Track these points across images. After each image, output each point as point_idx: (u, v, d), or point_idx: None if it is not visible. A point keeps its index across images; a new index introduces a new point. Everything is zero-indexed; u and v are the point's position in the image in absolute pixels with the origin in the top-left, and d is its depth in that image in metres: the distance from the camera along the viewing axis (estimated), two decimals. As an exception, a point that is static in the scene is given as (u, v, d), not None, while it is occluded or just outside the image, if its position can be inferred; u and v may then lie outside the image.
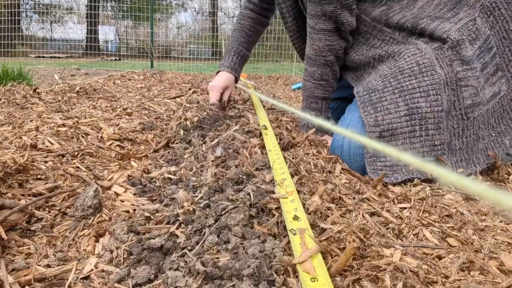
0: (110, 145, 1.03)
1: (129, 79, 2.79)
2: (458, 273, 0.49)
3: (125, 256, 0.53)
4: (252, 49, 1.65)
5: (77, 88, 1.90)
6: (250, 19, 1.55)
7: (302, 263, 0.46)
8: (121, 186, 0.77)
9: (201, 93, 1.83)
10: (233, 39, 1.56)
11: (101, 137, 1.09)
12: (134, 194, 0.74)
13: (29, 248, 0.55)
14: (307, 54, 1.13)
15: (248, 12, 1.56)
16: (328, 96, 1.15)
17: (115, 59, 7.44)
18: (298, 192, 0.67)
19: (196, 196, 0.67)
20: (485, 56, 0.92)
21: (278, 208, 0.61)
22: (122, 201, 0.71)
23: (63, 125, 1.14)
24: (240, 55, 1.53)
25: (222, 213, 0.59)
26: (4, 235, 0.55)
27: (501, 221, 0.68)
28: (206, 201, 0.64)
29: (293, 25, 1.31)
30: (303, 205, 0.63)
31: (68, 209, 0.67)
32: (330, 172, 0.83)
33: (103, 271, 0.50)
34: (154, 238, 0.55)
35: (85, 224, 0.62)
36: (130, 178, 0.83)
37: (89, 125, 1.18)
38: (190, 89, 2.06)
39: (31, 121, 1.21)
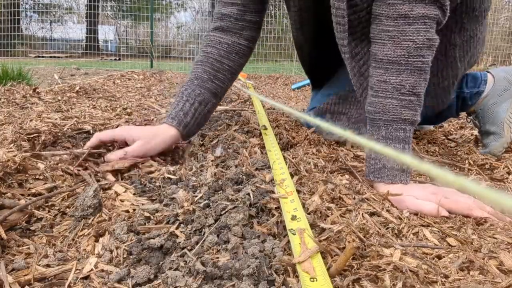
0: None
1: (129, 79, 2.80)
2: (457, 272, 0.49)
3: (125, 256, 0.53)
4: (225, 92, 1.05)
5: (77, 88, 1.90)
6: (220, 44, 1.02)
7: (301, 263, 0.46)
8: (121, 185, 0.77)
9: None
10: (191, 75, 1.01)
11: (101, 137, 1.09)
12: (134, 194, 0.74)
13: (28, 248, 0.55)
14: (387, 58, 0.75)
15: (217, 34, 1.03)
16: (418, 120, 0.77)
17: (115, 59, 7.44)
18: (298, 192, 0.67)
19: (196, 196, 0.67)
20: None
21: (278, 208, 0.61)
22: (122, 201, 0.71)
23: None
24: (196, 101, 0.97)
25: (222, 213, 0.59)
26: (3, 235, 0.55)
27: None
28: (206, 201, 0.64)
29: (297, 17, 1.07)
30: (303, 205, 0.63)
31: (67, 209, 0.67)
32: (330, 172, 0.83)
33: (103, 271, 0.50)
34: (154, 238, 0.55)
35: (85, 224, 0.62)
36: (130, 178, 0.83)
37: (89, 124, 1.18)
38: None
39: (31, 120, 1.21)
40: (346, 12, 0.77)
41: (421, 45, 0.73)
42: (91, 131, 1.10)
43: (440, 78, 0.99)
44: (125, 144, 0.90)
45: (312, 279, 0.44)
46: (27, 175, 0.75)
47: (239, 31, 1.03)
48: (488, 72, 1.11)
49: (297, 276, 0.46)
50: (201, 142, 1.02)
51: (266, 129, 1.02)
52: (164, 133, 0.92)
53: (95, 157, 0.87)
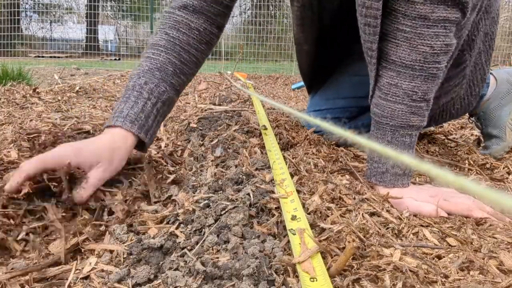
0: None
1: (129, 79, 2.79)
2: (457, 272, 0.49)
3: (125, 256, 0.53)
4: (184, 88, 0.88)
5: (77, 88, 1.90)
6: (190, 30, 0.84)
7: (301, 263, 0.46)
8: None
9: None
10: (151, 63, 0.80)
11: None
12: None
13: (29, 248, 0.55)
14: (400, 60, 0.70)
15: (186, 15, 0.84)
16: (424, 124, 0.74)
17: (115, 59, 7.44)
18: (298, 192, 0.67)
19: (196, 196, 0.67)
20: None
21: (278, 208, 0.61)
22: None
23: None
24: (159, 100, 0.79)
25: (222, 213, 0.59)
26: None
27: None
28: (206, 201, 0.64)
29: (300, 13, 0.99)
30: (303, 205, 0.63)
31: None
32: (330, 172, 0.83)
33: (103, 271, 0.50)
34: (153, 238, 0.55)
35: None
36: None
37: (89, 124, 1.18)
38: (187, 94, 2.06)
39: (31, 120, 1.21)
40: (380, 13, 0.67)
41: (438, 51, 0.68)
42: (91, 131, 1.10)
43: (472, 87, 0.98)
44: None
45: (312, 279, 0.44)
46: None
47: (213, 16, 0.86)
48: (490, 73, 1.09)
49: (297, 276, 0.46)
50: (201, 142, 1.02)
51: (266, 129, 1.02)
52: (123, 144, 0.72)
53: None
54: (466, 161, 1.01)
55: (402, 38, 0.69)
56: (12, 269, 0.50)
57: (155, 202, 0.69)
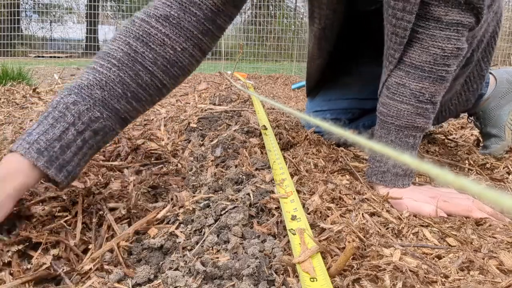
0: (109, 144, 1.03)
1: (129, 79, 2.79)
2: (457, 272, 0.49)
3: (125, 256, 0.53)
4: (136, 118, 0.66)
5: (77, 88, 1.90)
6: (163, 47, 0.64)
7: (301, 263, 0.46)
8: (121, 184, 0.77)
9: None
10: (94, 77, 0.60)
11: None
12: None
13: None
14: (410, 60, 0.70)
15: (164, 29, 0.64)
16: (429, 127, 0.74)
17: (115, 59, 7.42)
18: (298, 192, 0.67)
19: (196, 196, 0.67)
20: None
21: (278, 208, 0.61)
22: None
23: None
24: (89, 128, 0.58)
25: (222, 213, 0.59)
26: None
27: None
28: (206, 201, 0.64)
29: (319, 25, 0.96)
30: (303, 205, 0.63)
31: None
32: (331, 172, 0.83)
33: (103, 270, 0.50)
34: (153, 238, 0.55)
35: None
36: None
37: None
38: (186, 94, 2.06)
39: (31, 120, 1.21)
40: (411, 26, 0.67)
41: (449, 54, 0.67)
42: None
43: (469, 83, 0.97)
44: None
45: (312, 279, 0.44)
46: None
47: (199, 35, 0.68)
48: (490, 73, 1.09)
49: (297, 276, 0.46)
50: (201, 142, 1.02)
51: (266, 129, 1.02)
52: (14, 179, 0.52)
53: None
54: (466, 161, 1.01)
55: (414, 38, 0.69)
56: (22, 269, 0.50)
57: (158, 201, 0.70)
